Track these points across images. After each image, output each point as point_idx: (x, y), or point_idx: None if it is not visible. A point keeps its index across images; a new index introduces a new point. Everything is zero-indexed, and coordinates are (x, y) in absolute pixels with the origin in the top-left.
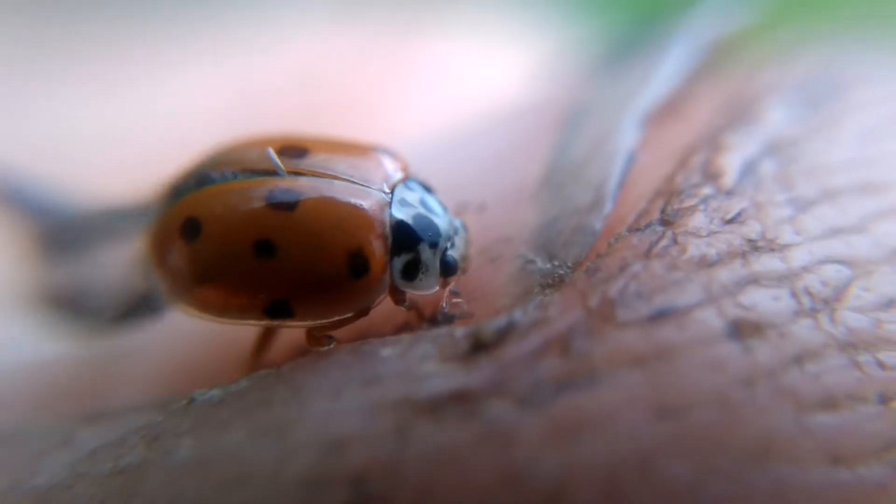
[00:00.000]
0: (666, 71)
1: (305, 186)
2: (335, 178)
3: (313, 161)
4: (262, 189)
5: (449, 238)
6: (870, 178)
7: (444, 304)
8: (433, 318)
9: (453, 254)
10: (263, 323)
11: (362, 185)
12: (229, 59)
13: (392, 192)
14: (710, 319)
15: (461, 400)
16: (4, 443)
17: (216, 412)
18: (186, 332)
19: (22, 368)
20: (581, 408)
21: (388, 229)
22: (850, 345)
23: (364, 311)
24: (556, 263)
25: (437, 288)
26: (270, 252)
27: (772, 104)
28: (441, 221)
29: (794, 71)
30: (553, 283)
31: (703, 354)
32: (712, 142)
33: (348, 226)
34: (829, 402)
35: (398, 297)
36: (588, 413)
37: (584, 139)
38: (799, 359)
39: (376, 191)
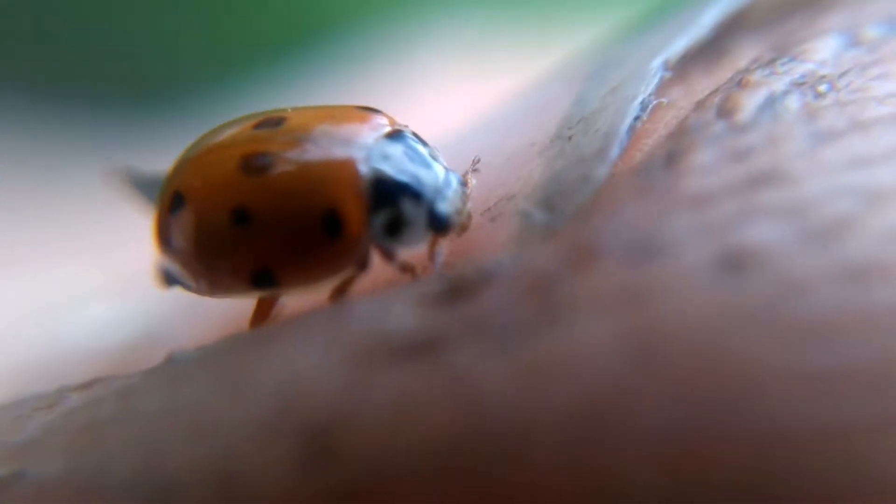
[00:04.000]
0: (708, 17)
1: (277, 150)
2: (310, 138)
3: (290, 126)
4: (236, 156)
5: (437, 191)
6: None
7: (437, 262)
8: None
9: (444, 207)
10: (253, 294)
11: (337, 142)
12: None
13: (373, 148)
14: (700, 254)
15: (430, 346)
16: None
17: (188, 368)
18: (211, 314)
19: (65, 360)
20: (555, 351)
21: (364, 184)
22: (860, 275)
23: (362, 266)
24: (555, 215)
25: (426, 243)
26: (246, 219)
27: (822, 45)
28: (427, 173)
29: (862, 10)
30: (551, 233)
31: (688, 291)
32: (737, 81)
33: (320, 184)
34: (833, 336)
35: (386, 255)
36: (562, 356)
37: (601, 91)
38: (801, 290)
39: (352, 146)
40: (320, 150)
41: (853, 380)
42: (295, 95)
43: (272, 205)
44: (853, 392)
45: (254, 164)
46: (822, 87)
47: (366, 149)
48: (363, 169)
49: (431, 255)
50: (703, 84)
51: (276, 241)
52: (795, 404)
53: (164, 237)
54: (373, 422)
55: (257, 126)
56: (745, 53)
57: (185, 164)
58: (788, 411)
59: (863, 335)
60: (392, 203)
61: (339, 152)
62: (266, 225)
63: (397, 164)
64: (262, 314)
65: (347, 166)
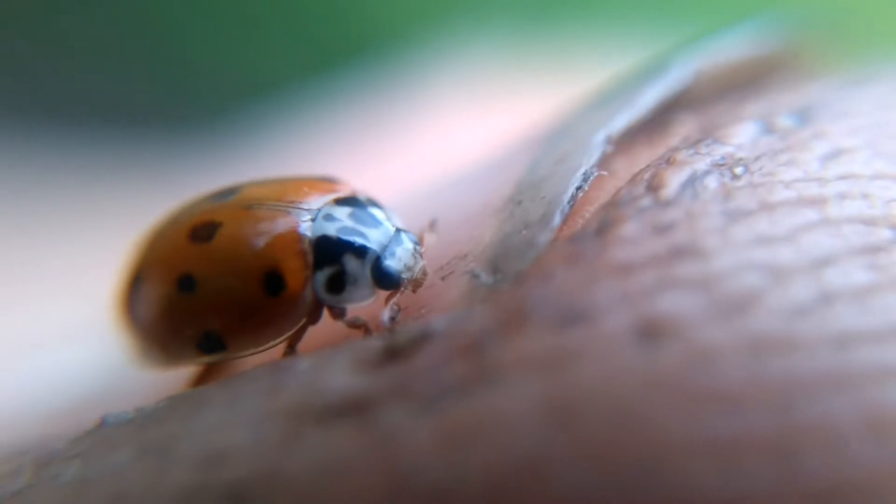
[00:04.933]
0: (649, 96)
1: (223, 217)
2: (256, 206)
3: (241, 196)
4: (187, 227)
5: (384, 247)
6: (815, 194)
7: (384, 319)
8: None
9: (392, 264)
10: (204, 360)
11: (281, 207)
12: None
13: (317, 211)
14: (619, 322)
15: (358, 407)
16: None
17: (116, 433)
18: None
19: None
20: (477, 414)
21: (305, 244)
22: (760, 348)
23: (312, 320)
24: (499, 277)
25: (372, 299)
26: (192, 285)
27: (741, 130)
28: (373, 232)
29: (779, 100)
30: (492, 296)
31: (606, 358)
32: (666, 158)
33: (261, 246)
34: (733, 406)
35: (335, 312)
36: (483, 419)
37: (551, 159)
38: (706, 360)
39: (295, 210)
40: (264, 215)
41: (750, 450)
42: (310, 124)
43: (216, 269)
44: (749, 461)
45: (201, 234)
46: (738, 170)
47: (309, 212)
48: (304, 230)
49: (386, 309)
50: (645, 157)
51: (220, 303)
52: (697, 471)
53: (123, 313)
54: (294, 487)
55: (211, 198)
56: (680, 131)
57: (147, 242)
58: (691, 478)
59: (760, 406)
60: (334, 261)
61: (281, 216)
62: (210, 289)
63: (341, 225)
64: (201, 376)
65: (288, 227)
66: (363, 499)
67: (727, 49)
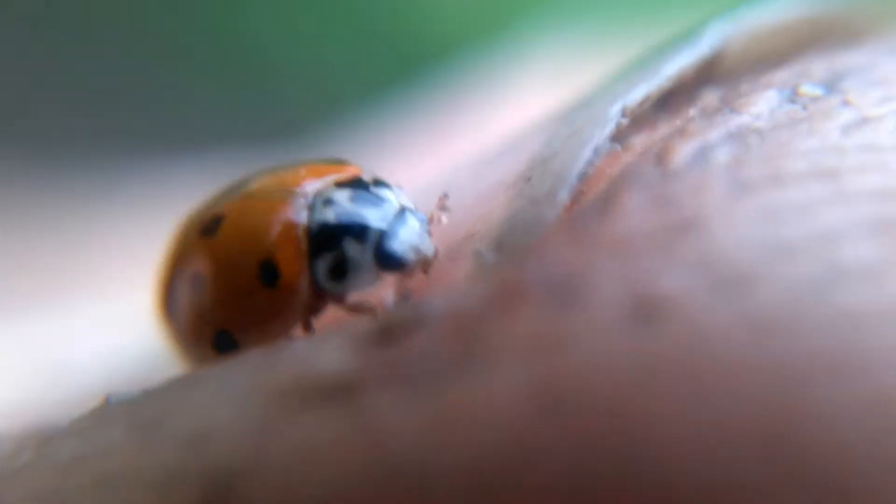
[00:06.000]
0: (671, 66)
1: (226, 210)
2: (256, 195)
3: (247, 187)
4: (199, 222)
5: (386, 229)
6: (830, 165)
7: (388, 302)
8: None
9: (395, 245)
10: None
11: (277, 194)
12: None
13: (314, 195)
14: (614, 302)
15: (345, 390)
16: None
17: (114, 411)
18: None
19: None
20: (468, 398)
21: (299, 231)
22: (763, 329)
23: (315, 309)
24: (505, 255)
25: (378, 283)
26: (201, 282)
27: (761, 99)
28: (374, 212)
29: (811, 67)
30: (491, 275)
31: (599, 341)
32: (679, 129)
33: (255, 236)
34: (730, 393)
35: (337, 300)
36: (473, 404)
37: (566, 132)
38: (704, 344)
39: (291, 196)
40: (260, 205)
41: (749, 437)
42: (391, 128)
43: (218, 263)
44: (750, 452)
45: (209, 228)
46: (752, 140)
47: (304, 196)
48: (299, 216)
49: (398, 294)
50: (663, 131)
51: (224, 298)
52: (691, 460)
53: (159, 313)
54: (275, 472)
55: (225, 191)
56: (701, 102)
57: (171, 241)
58: (684, 467)
59: (760, 393)
60: (333, 246)
61: (277, 203)
62: (215, 284)
63: (339, 208)
64: None
65: (282, 215)
66: (346, 487)
67: (766, 14)
